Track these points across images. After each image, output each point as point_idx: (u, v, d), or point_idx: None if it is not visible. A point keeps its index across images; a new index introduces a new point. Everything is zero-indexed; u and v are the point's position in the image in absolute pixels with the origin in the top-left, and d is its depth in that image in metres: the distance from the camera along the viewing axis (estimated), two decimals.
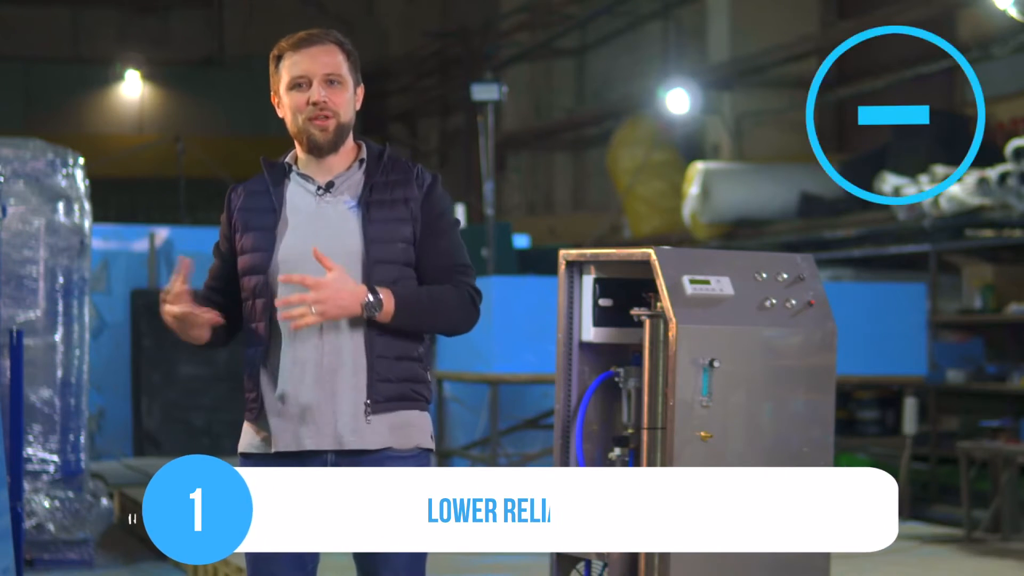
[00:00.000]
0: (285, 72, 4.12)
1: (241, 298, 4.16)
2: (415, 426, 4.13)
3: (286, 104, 4.13)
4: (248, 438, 4.21)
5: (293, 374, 4.06)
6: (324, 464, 4.08)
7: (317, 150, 4.12)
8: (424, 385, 4.15)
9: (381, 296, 4.00)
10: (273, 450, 4.11)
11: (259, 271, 4.08)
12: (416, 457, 4.12)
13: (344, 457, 4.07)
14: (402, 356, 4.09)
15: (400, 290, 4.05)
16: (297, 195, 4.13)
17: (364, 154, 4.17)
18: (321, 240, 4.04)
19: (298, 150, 4.17)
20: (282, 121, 4.22)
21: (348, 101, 4.12)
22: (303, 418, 4.07)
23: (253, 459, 4.17)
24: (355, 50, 4.19)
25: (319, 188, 4.13)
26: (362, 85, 4.20)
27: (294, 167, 4.17)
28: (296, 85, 4.10)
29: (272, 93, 4.19)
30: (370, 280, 4.03)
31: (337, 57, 4.11)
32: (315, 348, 4.04)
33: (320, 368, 4.05)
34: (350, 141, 4.18)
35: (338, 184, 4.13)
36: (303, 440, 4.07)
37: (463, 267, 4.15)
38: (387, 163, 4.15)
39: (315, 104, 4.07)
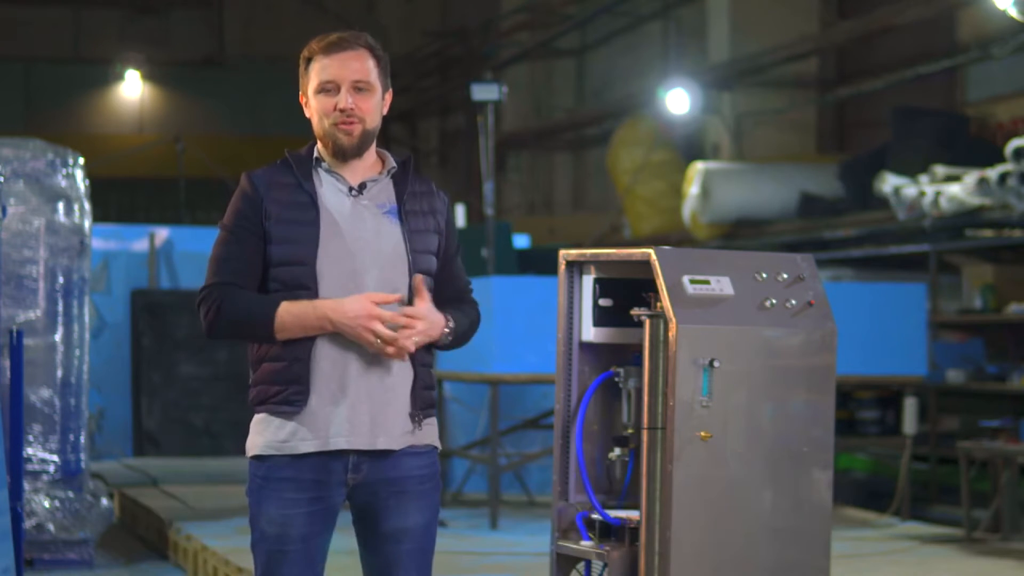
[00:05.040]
0: (314, 76, 4.12)
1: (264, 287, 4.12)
2: (430, 426, 4.22)
3: (314, 107, 4.14)
4: (265, 438, 4.09)
5: (334, 373, 4.06)
6: (345, 466, 4.08)
7: (342, 154, 4.13)
8: (436, 391, 4.30)
9: (453, 325, 4.12)
10: (302, 450, 4.06)
11: (304, 263, 4.04)
12: (428, 454, 4.19)
13: (364, 457, 4.09)
14: (431, 365, 4.20)
15: (456, 316, 4.15)
16: (329, 192, 4.13)
17: (392, 163, 4.21)
18: (366, 242, 4.08)
19: (322, 149, 4.18)
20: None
21: (375, 107, 4.15)
22: (340, 418, 4.06)
23: (269, 461, 4.09)
24: (386, 55, 4.20)
25: (351, 189, 4.14)
26: (391, 89, 4.23)
27: (323, 163, 4.17)
28: (324, 89, 4.11)
29: (300, 93, 4.19)
30: (410, 287, 4.10)
31: (367, 63, 4.13)
32: (358, 350, 4.05)
33: (361, 369, 4.06)
34: (373, 147, 4.20)
35: (369, 187, 4.15)
36: (337, 440, 4.06)
37: (469, 285, 4.31)
38: (412, 174, 4.21)
39: (342, 111, 4.09)
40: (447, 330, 4.09)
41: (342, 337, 4.03)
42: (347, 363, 4.05)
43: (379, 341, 3.99)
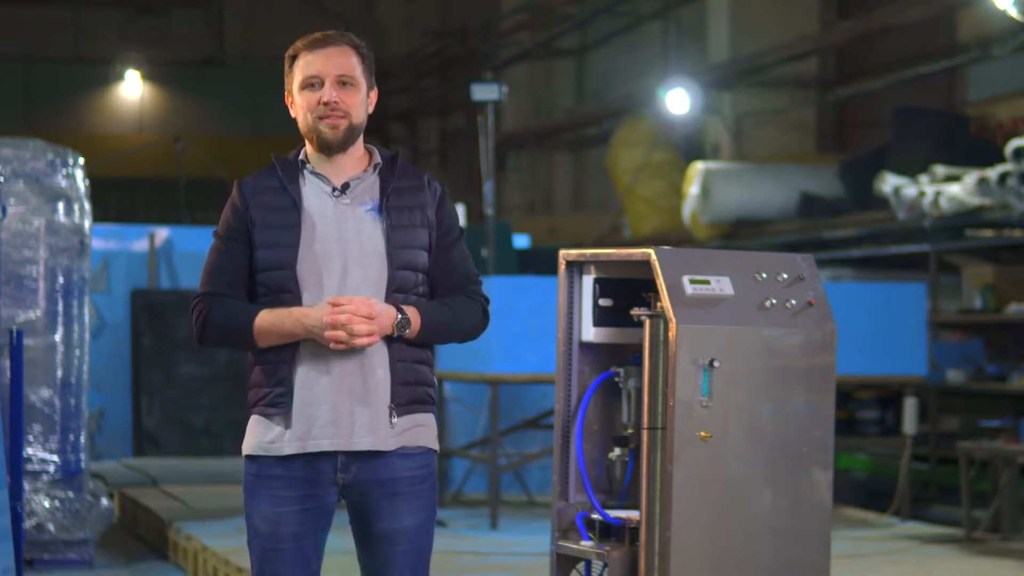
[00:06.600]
0: (299, 71, 4.14)
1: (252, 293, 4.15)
2: (424, 426, 4.18)
3: (299, 103, 4.15)
4: (256, 438, 4.13)
5: (316, 374, 4.06)
6: (334, 466, 4.09)
7: (327, 149, 4.13)
8: (433, 388, 4.22)
9: (408, 315, 4.06)
10: (286, 452, 4.08)
11: (285, 267, 4.07)
12: (422, 455, 4.16)
13: (353, 458, 4.08)
14: (418, 360, 4.15)
15: (424, 307, 4.11)
16: (313, 194, 4.14)
17: (378, 159, 4.20)
18: (347, 242, 4.08)
19: (309, 149, 4.18)
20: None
21: (360, 103, 4.14)
22: (323, 419, 4.06)
23: (260, 461, 4.12)
24: (371, 54, 4.21)
25: (335, 189, 4.14)
26: (375, 89, 4.23)
27: (308, 165, 4.17)
28: (309, 85, 4.12)
29: (286, 93, 4.20)
30: (393, 284, 4.09)
31: (351, 59, 4.14)
32: (340, 352, 4.05)
33: (342, 370, 4.06)
34: (360, 143, 4.20)
35: (353, 186, 4.15)
36: (320, 442, 4.07)
37: (473, 277, 4.24)
38: (400, 169, 4.18)
39: (326, 104, 4.09)
40: (400, 318, 4.04)
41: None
42: (329, 365, 4.06)
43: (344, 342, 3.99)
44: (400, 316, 4.06)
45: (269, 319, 4.05)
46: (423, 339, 4.13)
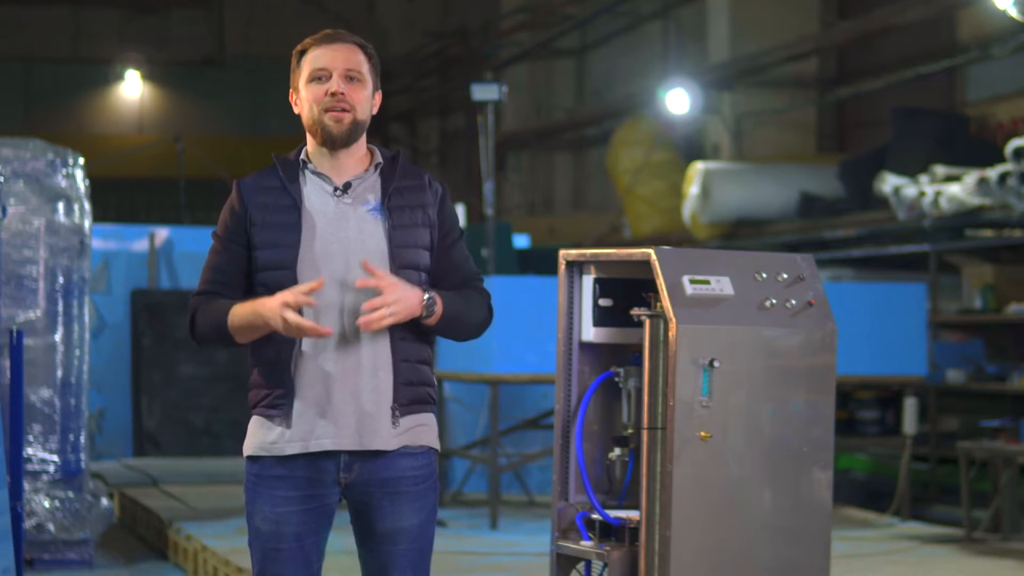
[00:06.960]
0: (307, 65, 4.15)
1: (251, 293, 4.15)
2: (426, 426, 4.18)
3: (304, 97, 4.15)
4: (257, 439, 4.13)
5: (317, 374, 4.06)
6: (336, 466, 4.09)
7: (330, 142, 4.13)
8: (434, 388, 4.22)
9: (434, 295, 4.06)
10: (288, 452, 4.08)
11: (286, 267, 4.07)
12: (424, 455, 4.17)
13: (355, 457, 4.08)
14: (420, 360, 4.15)
15: (443, 292, 4.11)
16: (314, 193, 4.14)
17: (379, 158, 4.20)
18: (348, 242, 4.08)
19: (310, 145, 4.18)
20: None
21: (366, 99, 4.15)
22: (325, 419, 4.06)
23: (261, 462, 4.12)
24: (376, 56, 4.23)
25: (336, 189, 4.14)
26: (380, 91, 4.24)
27: (309, 164, 4.18)
28: (316, 78, 4.13)
29: (291, 90, 4.21)
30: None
31: (359, 56, 4.15)
32: (340, 350, 4.05)
33: (345, 370, 4.06)
34: (363, 143, 4.20)
35: (355, 186, 4.15)
36: (323, 441, 4.07)
37: (476, 276, 4.25)
38: (401, 168, 4.19)
39: (333, 95, 4.10)
40: (426, 298, 4.04)
41: (325, 339, 4.04)
42: (331, 364, 4.06)
43: (306, 327, 3.96)
44: (427, 296, 4.06)
45: (237, 314, 4.06)
46: (441, 327, 4.12)
